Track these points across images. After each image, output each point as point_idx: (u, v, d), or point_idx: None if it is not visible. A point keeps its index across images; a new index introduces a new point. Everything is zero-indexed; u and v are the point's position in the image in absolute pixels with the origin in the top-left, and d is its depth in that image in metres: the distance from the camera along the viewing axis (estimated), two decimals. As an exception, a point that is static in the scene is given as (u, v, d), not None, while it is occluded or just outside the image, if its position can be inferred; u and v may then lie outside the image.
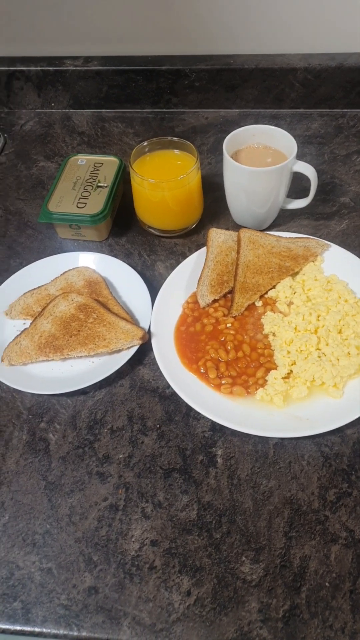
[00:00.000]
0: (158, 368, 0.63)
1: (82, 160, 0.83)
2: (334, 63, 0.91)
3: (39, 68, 0.98)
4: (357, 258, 0.71)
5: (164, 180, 0.71)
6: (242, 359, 0.64)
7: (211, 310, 0.68)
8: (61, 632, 0.49)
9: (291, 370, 0.62)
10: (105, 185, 0.78)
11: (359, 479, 0.56)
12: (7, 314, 0.70)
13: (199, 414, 0.59)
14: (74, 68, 0.97)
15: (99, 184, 0.79)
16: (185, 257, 0.75)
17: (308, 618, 0.48)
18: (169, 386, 0.62)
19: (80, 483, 0.57)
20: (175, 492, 0.56)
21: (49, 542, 0.53)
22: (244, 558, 0.51)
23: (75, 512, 0.55)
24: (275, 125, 0.74)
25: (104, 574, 0.51)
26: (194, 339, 0.66)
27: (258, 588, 0.50)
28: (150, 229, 0.79)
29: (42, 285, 0.72)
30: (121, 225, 0.82)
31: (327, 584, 0.50)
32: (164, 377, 0.62)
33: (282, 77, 0.94)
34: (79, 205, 0.76)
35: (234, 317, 0.67)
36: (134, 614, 0.49)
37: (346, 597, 0.49)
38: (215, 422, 0.59)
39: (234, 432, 0.59)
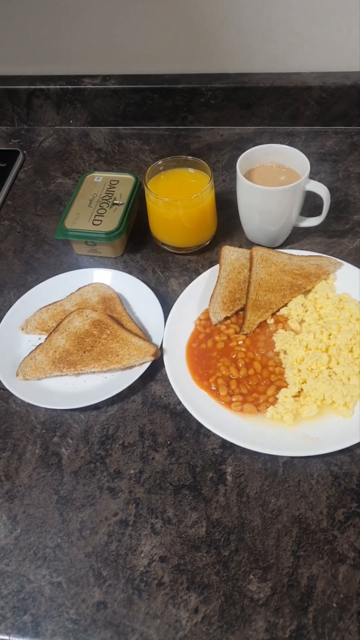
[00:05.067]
0: (170, 384, 0.64)
1: (99, 177, 0.84)
2: (349, 81, 0.92)
3: (58, 87, 1.00)
4: (369, 277, 0.71)
5: (178, 199, 0.72)
6: (253, 376, 0.64)
7: (223, 327, 0.69)
8: (70, 646, 0.49)
9: (302, 389, 0.63)
10: (121, 202, 0.80)
11: (369, 499, 0.56)
12: (22, 329, 0.71)
13: (209, 431, 0.60)
14: (92, 86, 0.99)
15: (115, 202, 0.80)
16: (198, 274, 0.76)
17: (315, 639, 0.48)
18: (180, 403, 0.63)
19: (91, 498, 0.58)
20: (184, 509, 0.56)
21: (60, 556, 0.54)
22: (251, 576, 0.52)
23: (86, 527, 0.56)
24: (290, 142, 0.75)
25: (113, 589, 0.52)
26: (206, 355, 0.67)
27: (265, 607, 0.50)
28: (164, 246, 0.81)
29: (57, 301, 0.74)
30: (136, 242, 0.83)
31: (334, 604, 0.50)
32: (175, 394, 0.63)
33: (297, 95, 0.95)
34: (95, 222, 0.77)
35: (246, 335, 0.68)
36: (141, 630, 0.49)
37: (353, 619, 0.49)
38: (226, 440, 0.59)
39: (244, 450, 0.59)
